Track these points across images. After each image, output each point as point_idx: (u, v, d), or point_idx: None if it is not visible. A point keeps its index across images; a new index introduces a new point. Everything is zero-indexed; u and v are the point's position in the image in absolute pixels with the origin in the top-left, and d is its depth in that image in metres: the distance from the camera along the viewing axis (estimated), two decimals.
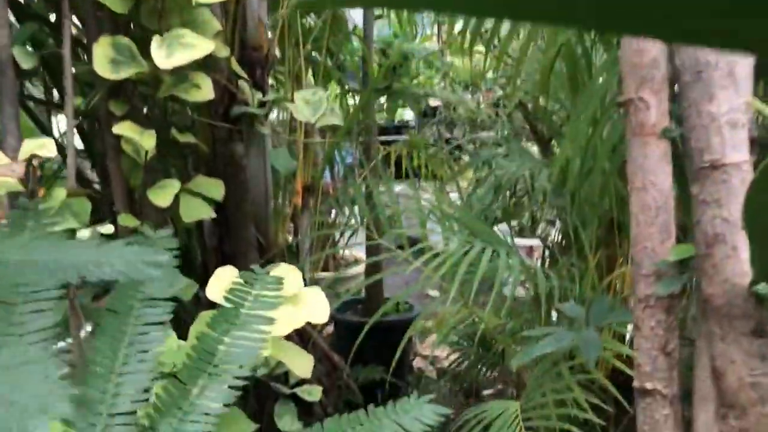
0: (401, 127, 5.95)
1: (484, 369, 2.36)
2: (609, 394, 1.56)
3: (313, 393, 1.53)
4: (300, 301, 1.21)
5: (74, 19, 1.58)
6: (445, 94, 3.10)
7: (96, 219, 1.59)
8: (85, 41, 1.60)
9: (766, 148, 0.97)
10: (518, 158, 2.12)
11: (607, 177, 1.54)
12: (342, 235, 3.14)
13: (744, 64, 0.84)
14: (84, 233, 1.23)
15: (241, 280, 1.03)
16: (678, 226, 0.99)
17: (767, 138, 1.15)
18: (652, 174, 0.94)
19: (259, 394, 1.73)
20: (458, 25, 1.98)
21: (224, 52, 1.46)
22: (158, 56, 1.27)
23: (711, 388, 0.87)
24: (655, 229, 0.94)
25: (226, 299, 1.00)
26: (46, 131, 1.76)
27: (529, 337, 1.43)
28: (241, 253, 1.76)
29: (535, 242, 3.60)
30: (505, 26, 1.85)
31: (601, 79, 1.49)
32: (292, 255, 2.06)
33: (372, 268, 2.67)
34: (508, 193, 2.34)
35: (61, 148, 1.56)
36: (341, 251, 3.61)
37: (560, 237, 2.11)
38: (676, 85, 1.01)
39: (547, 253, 2.18)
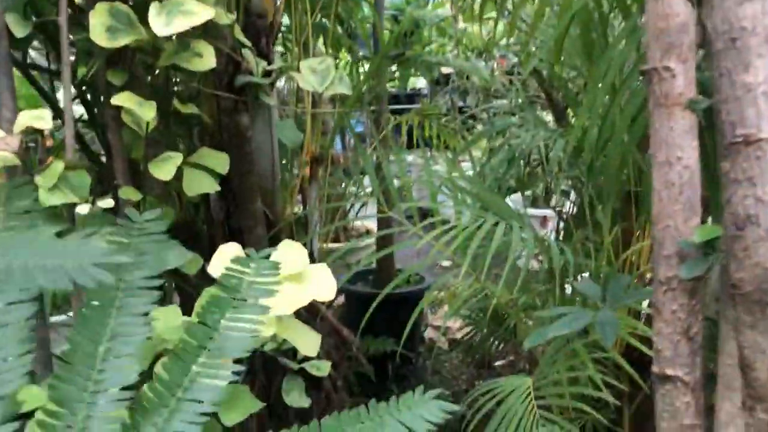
0: (414, 95, 5.87)
1: (496, 342, 2.34)
2: (623, 371, 1.53)
3: (321, 368, 1.51)
4: (305, 279, 1.18)
5: None
6: (458, 62, 3.02)
7: (102, 192, 1.56)
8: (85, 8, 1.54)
9: None
10: (533, 127, 2.05)
11: (626, 148, 1.48)
12: (352, 206, 3.09)
13: None
14: (83, 208, 1.20)
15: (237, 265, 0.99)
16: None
17: None
18: (678, 148, 0.88)
19: (267, 369, 1.71)
20: None
21: (227, 19, 1.41)
22: (157, 23, 1.22)
23: (735, 377, 0.83)
24: (679, 207, 0.89)
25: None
26: (50, 100, 1.72)
27: (543, 316, 1.39)
28: (247, 227, 1.73)
29: (548, 212, 3.53)
30: None
31: (620, 46, 1.41)
32: (300, 227, 2.03)
33: (383, 241, 2.63)
34: (522, 162, 2.28)
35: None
36: (352, 223, 3.58)
37: (575, 209, 2.05)
38: (700, 52, 0.95)
39: (561, 224, 2.13)
